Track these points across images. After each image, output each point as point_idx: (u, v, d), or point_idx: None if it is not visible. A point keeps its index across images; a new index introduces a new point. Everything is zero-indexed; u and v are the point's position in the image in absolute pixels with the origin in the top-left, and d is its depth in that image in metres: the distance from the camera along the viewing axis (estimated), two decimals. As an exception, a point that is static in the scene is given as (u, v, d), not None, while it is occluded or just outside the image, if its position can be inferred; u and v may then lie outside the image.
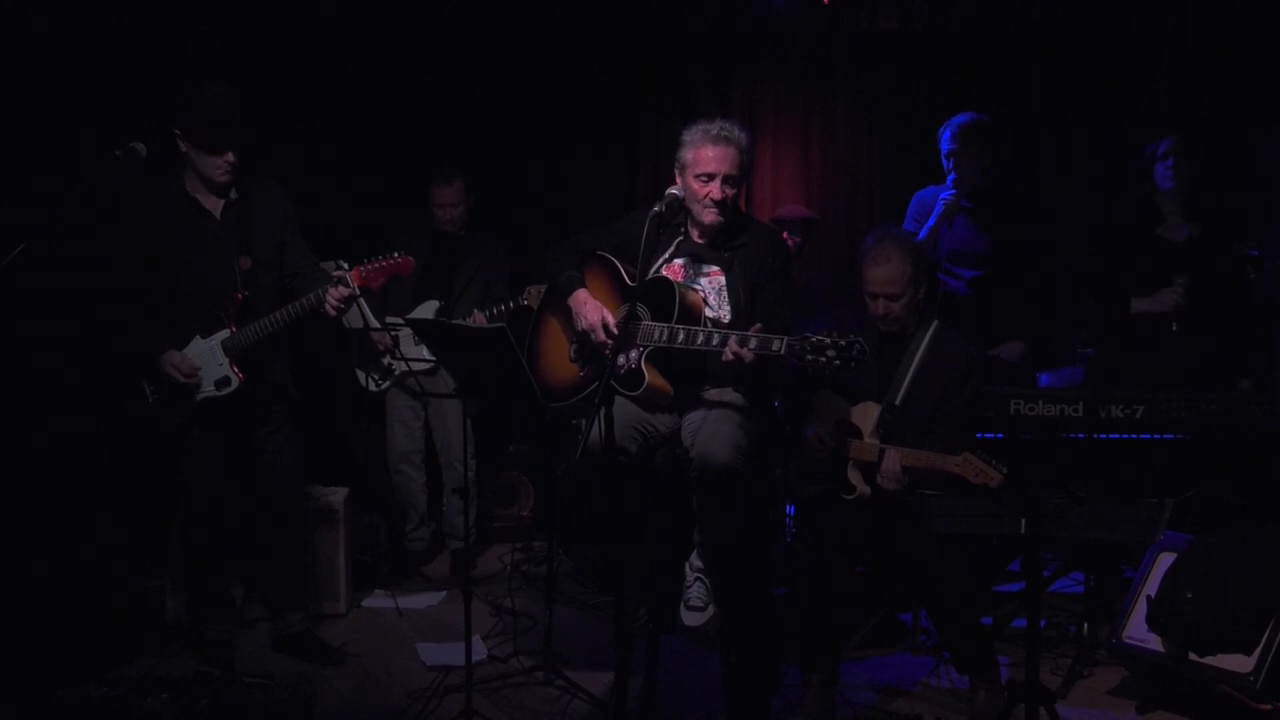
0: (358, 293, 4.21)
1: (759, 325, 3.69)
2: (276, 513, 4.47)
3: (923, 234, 4.88)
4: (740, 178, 4.01)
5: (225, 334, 4.23)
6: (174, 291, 4.23)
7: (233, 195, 4.29)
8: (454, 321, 5.26)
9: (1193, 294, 4.71)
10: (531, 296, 5.11)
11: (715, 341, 3.72)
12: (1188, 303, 4.71)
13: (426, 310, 5.42)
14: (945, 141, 4.94)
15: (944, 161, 4.96)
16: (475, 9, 6.27)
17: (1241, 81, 5.65)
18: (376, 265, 4.22)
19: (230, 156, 4.18)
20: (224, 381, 4.24)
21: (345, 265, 4.22)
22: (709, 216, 3.98)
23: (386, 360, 5.42)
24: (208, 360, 4.23)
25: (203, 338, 4.24)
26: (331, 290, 4.16)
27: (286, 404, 4.43)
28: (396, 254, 4.25)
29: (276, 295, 4.32)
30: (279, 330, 4.23)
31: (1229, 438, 4.29)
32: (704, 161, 3.95)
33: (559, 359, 4.20)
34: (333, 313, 4.20)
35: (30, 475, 4.40)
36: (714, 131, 3.96)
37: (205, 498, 4.34)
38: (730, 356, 3.65)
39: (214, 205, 4.28)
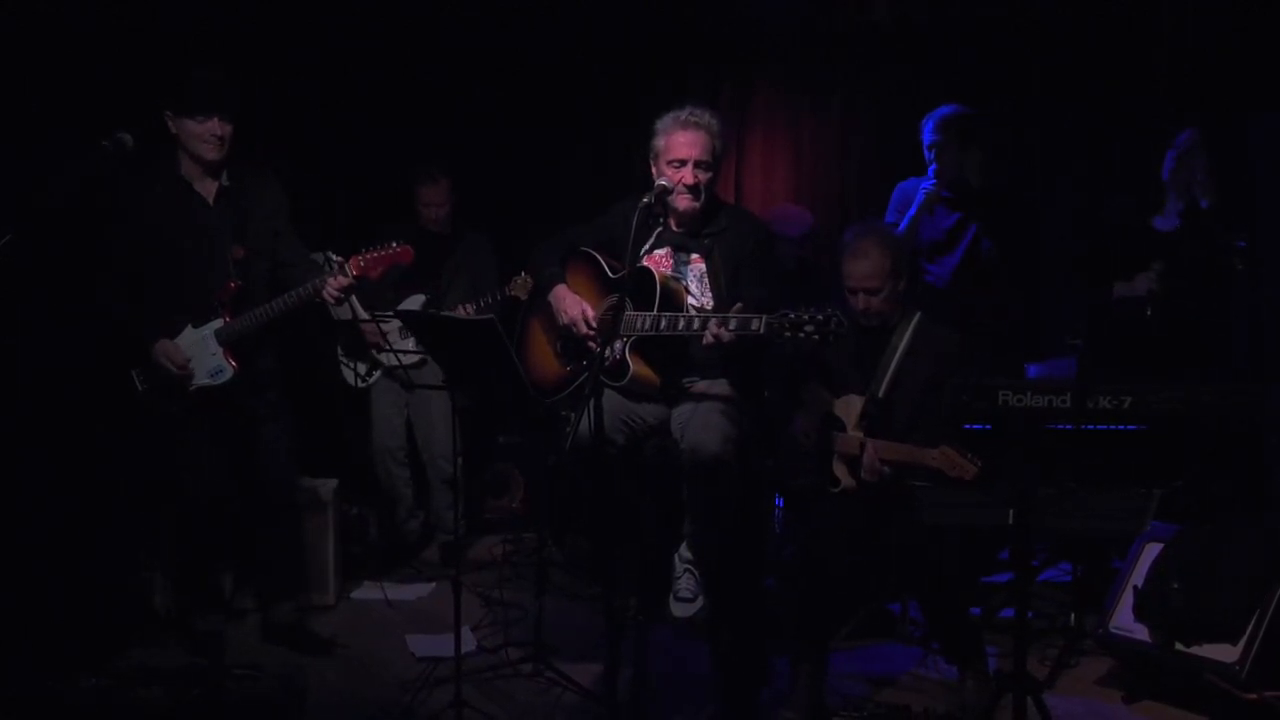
0: (356, 282, 4.18)
1: (739, 306, 3.69)
2: (271, 502, 4.48)
3: (904, 224, 4.91)
4: (712, 163, 4.00)
5: (219, 323, 4.22)
6: (165, 279, 4.22)
7: (225, 181, 4.25)
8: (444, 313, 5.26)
9: (1170, 281, 4.71)
10: (517, 286, 5.12)
11: (696, 326, 3.73)
12: (1165, 289, 4.71)
13: (412, 305, 5.43)
14: (927, 133, 4.99)
15: (925, 153, 4.99)
16: (475, 9, 6.29)
17: (1241, 81, 5.64)
18: (375, 254, 4.19)
19: (216, 127, 4.12)
20: (218, 371, 4.22)
21: (334, 256, 4.23)
22: (683, 203, 3.99)
23: (375, 353, 5.43)
24: (200, 350, 4.21)
25: (195, 327, 4.23)
26: (331, 279, 4.14)
27: (276, 390, 4.42)
28: (395, 243, 4.23)
29: (270, 285, 4.31)
30: (274, 320, 4.22)
31: (1217, 429, 4.29)
32: (675, 147, 3.96)
33: (546, 358, 4.21)
34: (332, 301, 4.19)
35: (23, 468, 4.42)
36: (683, 117, 3.97)
37: (197, 488, 4.34)
38: (710, 339, 3.65)
39: (207, 190, 4.24)
